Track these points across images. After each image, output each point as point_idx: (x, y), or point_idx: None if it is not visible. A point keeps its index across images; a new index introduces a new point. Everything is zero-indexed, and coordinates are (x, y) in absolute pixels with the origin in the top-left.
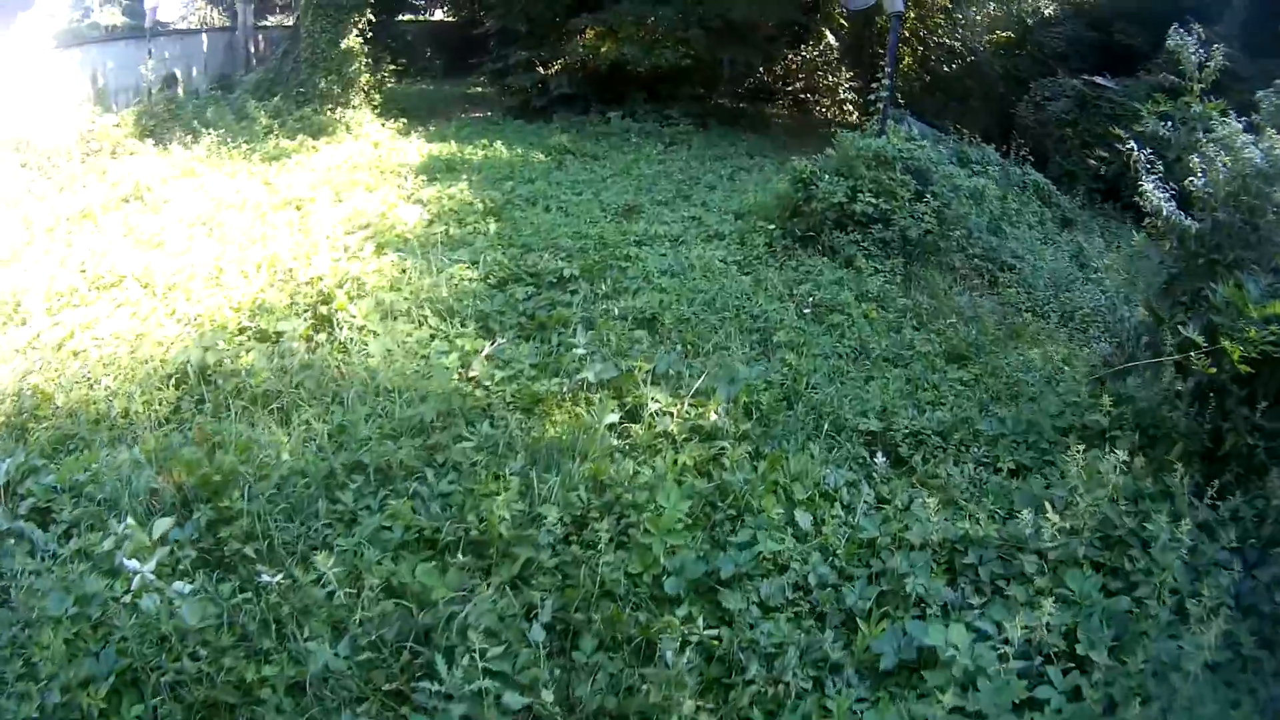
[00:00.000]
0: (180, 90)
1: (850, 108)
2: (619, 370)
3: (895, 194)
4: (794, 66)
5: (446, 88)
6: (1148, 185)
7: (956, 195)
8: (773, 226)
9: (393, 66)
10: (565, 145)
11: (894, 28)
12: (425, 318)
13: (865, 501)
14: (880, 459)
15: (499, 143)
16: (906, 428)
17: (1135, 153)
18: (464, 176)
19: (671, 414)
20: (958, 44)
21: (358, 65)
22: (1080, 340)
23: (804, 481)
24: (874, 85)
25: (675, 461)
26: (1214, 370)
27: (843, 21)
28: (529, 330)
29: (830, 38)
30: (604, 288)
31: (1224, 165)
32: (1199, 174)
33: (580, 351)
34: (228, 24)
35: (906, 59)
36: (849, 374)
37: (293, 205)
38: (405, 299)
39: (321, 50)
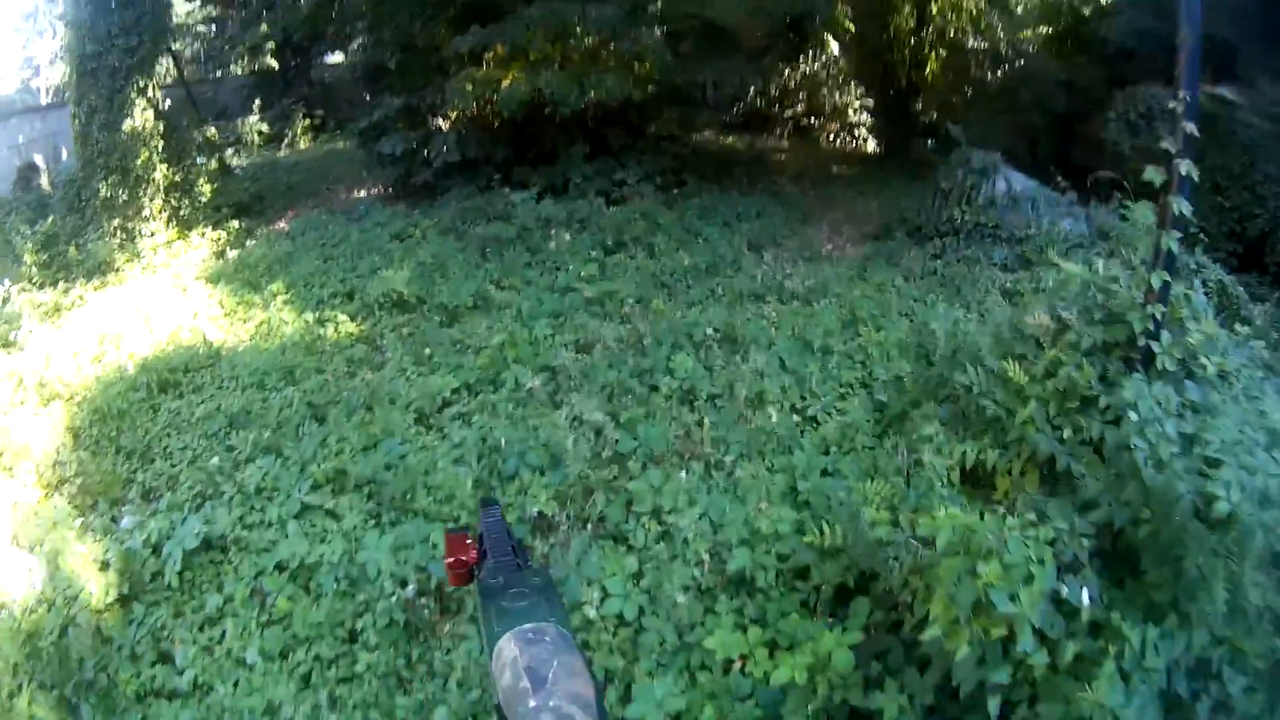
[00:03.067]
0: (45, 182)
1: (864, 132)
2: None
3: None
4: (791, 84)
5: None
6: None
7: None
8: None
9: (306, 121)
10: (399, 292)
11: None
12: None
13: None
14: None
15: (281, 300)
16: None
17: None
18: (148, 426)
19: None
20: (1002, 43)
21: (148, 155)
22: None
23: None
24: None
25: None
26: None
27: (849, 25)
28: None
29: (834, 46)
30: None
31: None
32: None
33: None
34: None
35: (931, 63)
36: None
37: None
38: None
39: (94, 140)
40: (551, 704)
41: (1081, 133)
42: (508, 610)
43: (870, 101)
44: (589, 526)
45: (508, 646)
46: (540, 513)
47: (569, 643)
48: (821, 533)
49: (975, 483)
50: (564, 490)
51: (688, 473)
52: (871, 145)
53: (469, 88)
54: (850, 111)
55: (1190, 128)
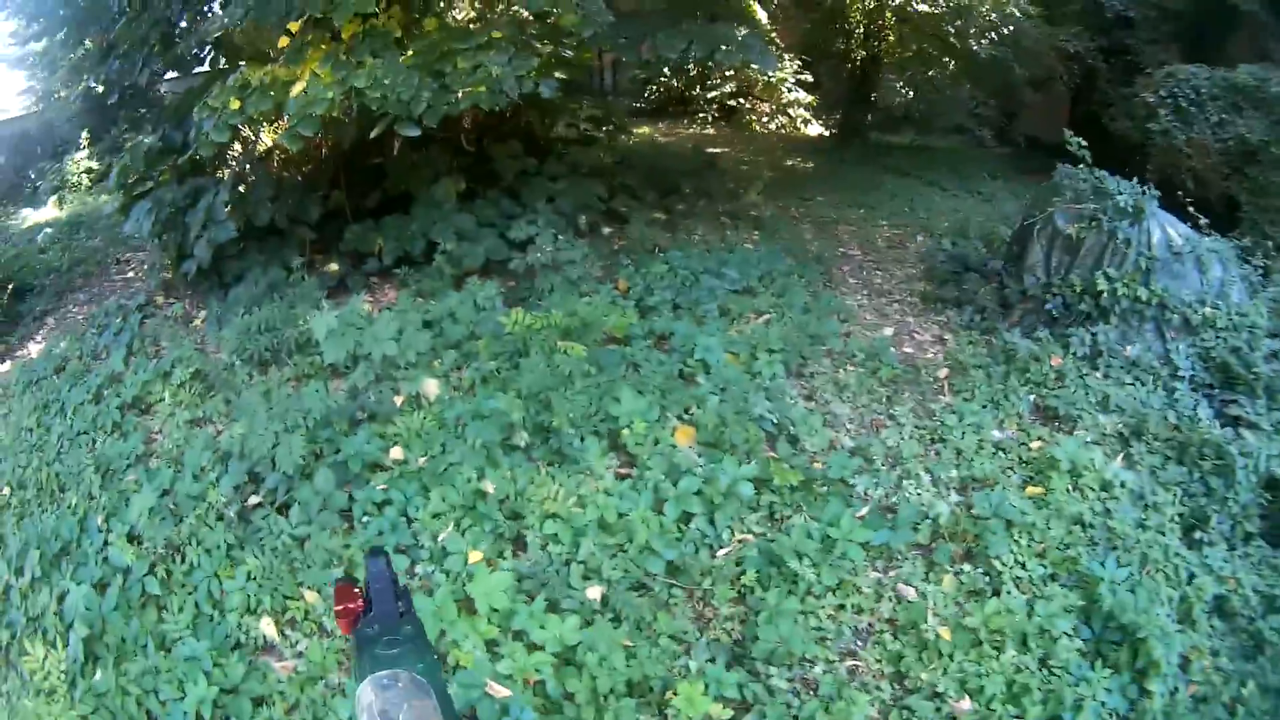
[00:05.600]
0: None
1: (803, 112)
2: None
3: None
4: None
5: None
6: None
7: None
8: None
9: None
10: None
11: None
12: None
13: None
14: None
15: None
16: None
17: None
18: None
19: None
20: (989, 10)
21: None
22: None
23: None
24: None
25: None
26: None
27: None
28: None
29: (759, 10)
30: None
31: None
32: None
33: None
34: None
35: (890, 32)
36: None
37: None
38: None
39: None
40: None
41: (1100, 122)
42: (379, 658)
43: (808, 76)
44: None
45: (365, 693)
46: None
47: (423, 688)
48: None
49: None
50: None
51: None
52: (814, 130)
53: (232, 104)
54: (784, 90)
55: None
